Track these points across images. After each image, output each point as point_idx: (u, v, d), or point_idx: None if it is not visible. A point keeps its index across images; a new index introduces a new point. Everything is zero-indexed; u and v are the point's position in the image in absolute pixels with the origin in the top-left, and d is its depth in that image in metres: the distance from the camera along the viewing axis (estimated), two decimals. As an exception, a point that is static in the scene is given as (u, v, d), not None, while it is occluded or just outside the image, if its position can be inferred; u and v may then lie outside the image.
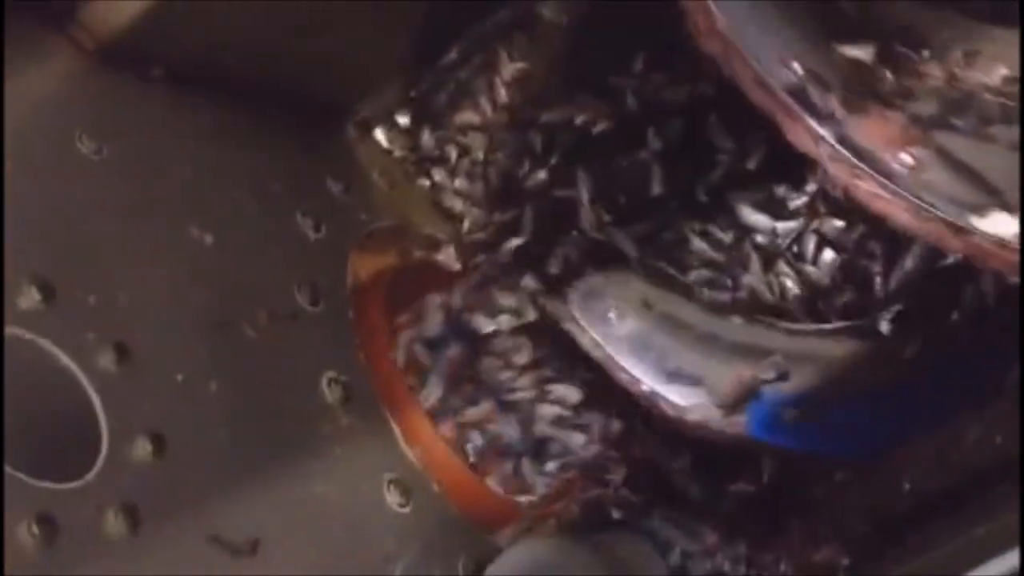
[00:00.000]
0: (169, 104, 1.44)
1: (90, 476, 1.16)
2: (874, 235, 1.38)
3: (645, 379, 1.39)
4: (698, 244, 1.44)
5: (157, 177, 1.38)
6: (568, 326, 1.43)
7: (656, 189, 1.46)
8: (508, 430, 1.44)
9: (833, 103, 1.12)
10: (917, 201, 1.10)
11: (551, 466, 1.45)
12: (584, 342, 1.42)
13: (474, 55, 1.63)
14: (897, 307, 1.37)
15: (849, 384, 1.36)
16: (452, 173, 1.64)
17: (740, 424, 1.35)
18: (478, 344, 1.46)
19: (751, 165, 1.43)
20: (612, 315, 1.41)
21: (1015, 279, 1.14)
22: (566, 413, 1.45)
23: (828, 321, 1.39)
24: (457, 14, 1.62)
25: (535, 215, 1.50)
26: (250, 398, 1.32)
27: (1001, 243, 1.08)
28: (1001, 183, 1.09)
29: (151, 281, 1.31)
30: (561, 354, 1.43)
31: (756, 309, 1.40)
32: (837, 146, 1.11)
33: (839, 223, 1.40)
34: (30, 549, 1.09)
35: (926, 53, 1.17)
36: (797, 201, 1.43)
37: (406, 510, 1.39)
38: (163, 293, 1.32)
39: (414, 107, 1.66)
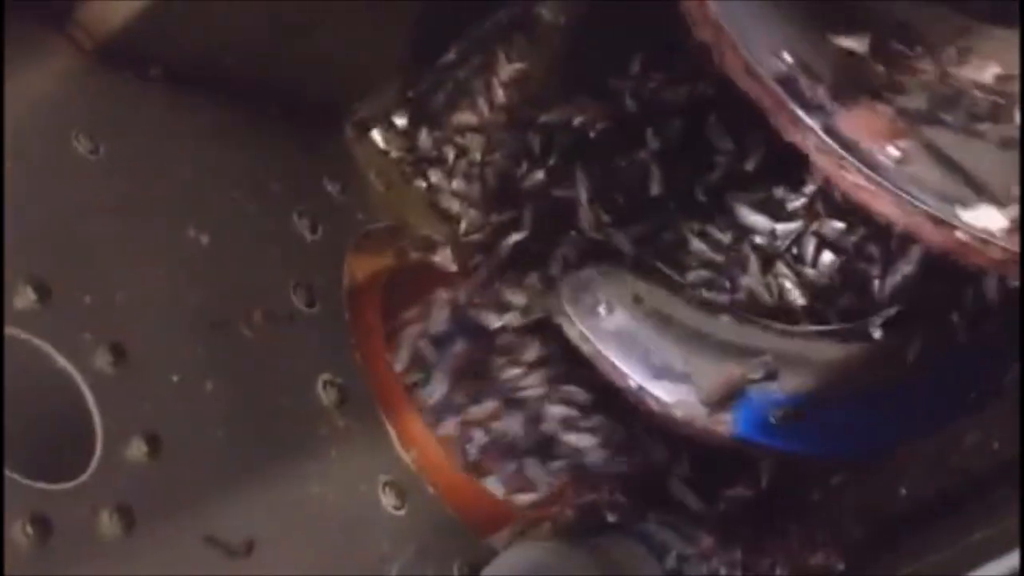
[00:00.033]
0: (167, 104, 1.44)
1: (85, 476, 1.16)
2: (874, 238, 1.38)
3: (632, 374, 1.39)
4: (697, 245, 1.44)
5: (154, 177, 1.38)
6: (558, 319, 1.42)
7: (655, 189, 1.46)
8: (514, 427, 1.43)
9: (822, 94, 1.12)
10: (902, 193, 1.10)
11: (557, 465, 1.44)
12: (573, 335, 1.41)
13: (472, 56, 1.63)
14: (890, 311, 1.37)
15: (839, 387, 1.36)
16: (449, 174, 1.64)
17: (726, 423, 1.35)
18: (485, 341, 1.45)
19: (750, 166, 1.43)
20: (601, 309, 1.41)
21: (1015, 281, 1.15)
22: (574, 414, 1.44)
23: (827, 323, 1.39)
24: (455, 14, 1.62)
25: (534, 215, 1.50)
26: (246, 399, 1.32)
27: (984, 239, 1.08)
28: (987, 179, 1.10)
29: (147, 281, 1.31)
30: (570, 353, 1.43)
31: (754, 310, 1.40)
32: (823, 136, 1.11)
33: (839, 225, 1.40)
34: (24, 549, 1.09)
35: (919, 49, 1.17)
36: (796, 202, 1.42)
37: (401, 512, 1.39)
38: (159, 293, 1.31)
39: (412, 108, 1.66)
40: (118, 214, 1.33)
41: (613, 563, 1.37)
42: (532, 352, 1.45)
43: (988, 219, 1.08)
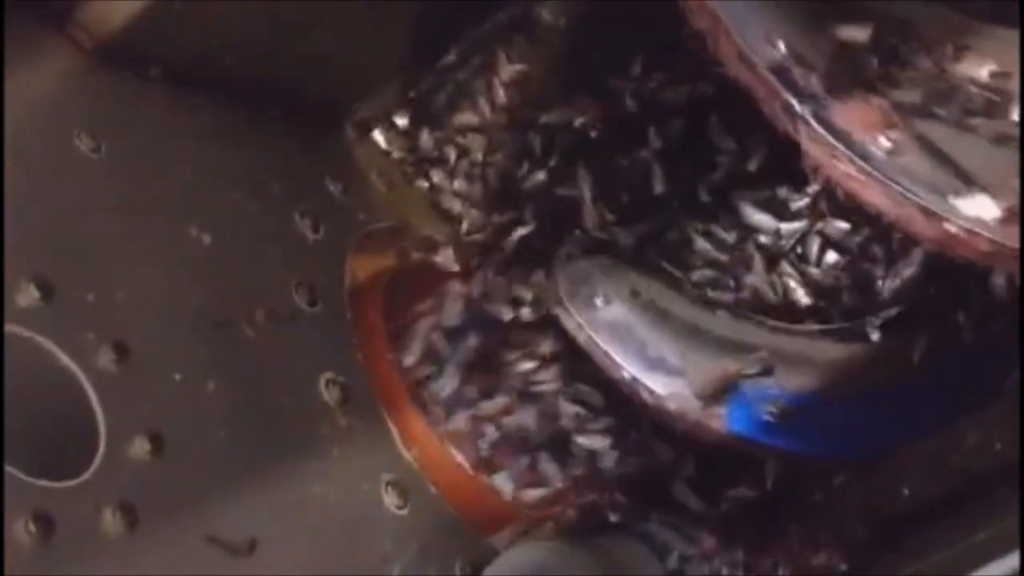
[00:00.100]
0: (168, 104, 1.44)
1: (88, 475, 1.16)
2: (878, 238, 1.38)
3: (626, 365, 1.39)
4: (701, 244, 1.44)
5: (156, 176, 1.38)
6: (555, 309, 1.42)
7: (658, 188, 1.46)
8: (528, 422, 1.43)
9: (815, 83, 1.12)
10: (892, 184, 1.10)
11: (573, 466, 1.44)
12: (569, 325, 1.42)
13: (473, 56, 1.63)
14: (889, 312, 1.37)
15: (837, 386, 1.36)
16: (451, 174, 1.64)
17: (719, 417, 1.35)
18: (499, 334, 1.46)
19: (752, 166, 1.43)
20: (598, 300, 1.41)
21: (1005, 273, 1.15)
22: (585, 414, 1.44)
23: (831, 323, 1.39)
24: (456, 15, 1.62)
25: (538, 213, 1.50)
26: (248, 398, 1.32)
27: (973, 231, 1.08)
28: (978, 172, 1.10)
29: (150, 280, 1.31)
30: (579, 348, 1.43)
31: (759, 309, 1.40)
32: (815, 125, 1.11)
33: (844, 225, 1.40)
34: (26, 547, 1.09)
35: (916, 45, 1.18)
36: (800, 202, 1.43)
37: (403, 511, 1.39)
38: (162, 292, 1.31)
39: (413, 108, 1.66)
40: (120, 213, 1.33)
41: (615, 563, 1.37)
42: (547, 346, 1.45)
43: (981, 208, 1.08)
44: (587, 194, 1.47)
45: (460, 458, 1.43)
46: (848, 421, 1.35)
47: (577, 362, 1.44)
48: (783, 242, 1.43)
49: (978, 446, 1.21)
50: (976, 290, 1.31)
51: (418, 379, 1.44)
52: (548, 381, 1.44)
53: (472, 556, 1.40)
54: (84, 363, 1.21)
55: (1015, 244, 1.07)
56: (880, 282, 1.38)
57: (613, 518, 1.43)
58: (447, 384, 1.43)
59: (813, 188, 1.40)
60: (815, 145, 1.12)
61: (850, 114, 1.12)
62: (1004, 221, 1.07)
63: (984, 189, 1.08)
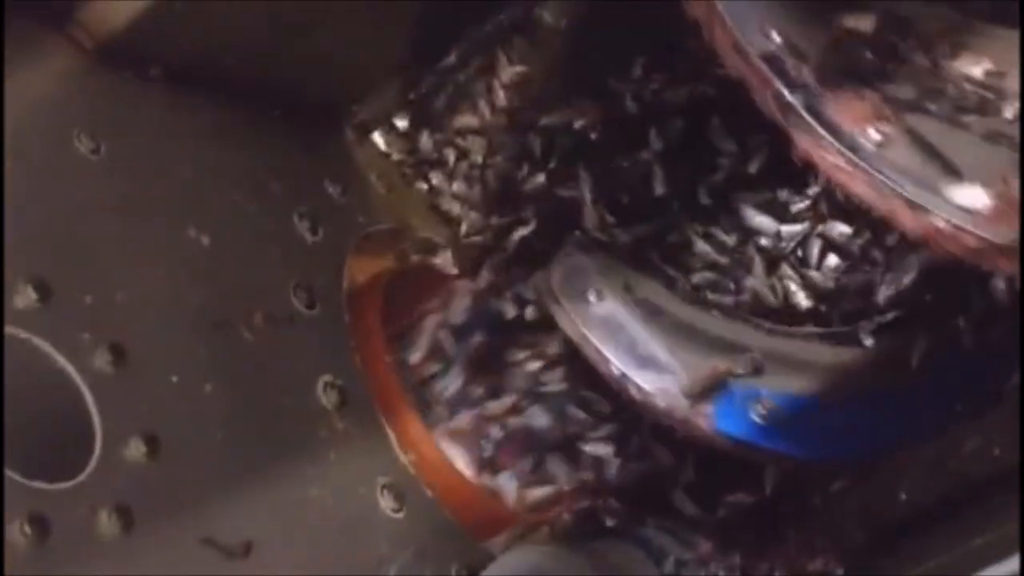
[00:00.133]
0: (167, 104, 1.44)
1: (83, 476, 1.16)
2: (878, 242, 1.38)
3: (616, 361, 1.38)
4: (701, 246, 1.44)
5: (155, 177, 1.38)
6: (548, 303, 1.42)
7: (659, 189, 1.46)
8: (535, 422, 1.43)
9: (807, 74, 1.12)
10: (879, 176, 1.09)
11: (578, 464, 1.44)
12: (562, 320, 1.41)
13: (473, 58, 1.63)
14: (884, 317, 1.37)
15: (828, 389, 1.36)
16: (450, 176, 1.64)
17: (707, 415, 1.34)
18: (506, 334, 1.45)
19: (753, 168, 1.43)
20: (592, 296, 1.41)
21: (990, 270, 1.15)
22: (591, 419, 1.44)
23: (831, 326, 1.39)
24: (456, 16, 1.62)
25: (538, 214, 1.50)
26: (245, 400, 1.32)
27: (959, 225, 1.08)
28: (966, 168, 1.09)
29: (148, 281, 1.31)
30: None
31: (758, 312, 1.40)
32: (805, 115, 1.11)
33: (845, 228, 1.40)
34: (22, 549, 1.09)
35: (912, 41, 1.17)
36: (800, 204, 1.42)
37: (400, 515, 1.39)
38: (160, 294, 1.31)
39: (412, 110, 1.66)
40: (119, 214, 1.33)
41: (611, 567, 1.37)
42: (555, 346, 1.45)
43: (973, 198, 1.08)
44: (587, 195, 1.46)
45: (459, 459, 1.43)
46: (842, 424, 1.35)
47: (584, 363, 1.43)
48: (783, 245, 1.42)
49: (977, 451, 1.21)
50: (976, 294, 1.31)
51: (421, 378, 1.44)
52: (555, 382, 1.44)
53: (468, 560, 1.40)
54: (81, 364, 1.20)
55: (1001, 240, 1.07)
56: (881, 286, 1.38)
57: (609, 523, 1.43)
58: (451, 383, 1.43)
59: (814, 190, 1.40)
60: (804, 135, 1.12)
61: (841, 106, 1.12)
62: (990, 217, 1.07)
63: (974, 183, 1.08)
